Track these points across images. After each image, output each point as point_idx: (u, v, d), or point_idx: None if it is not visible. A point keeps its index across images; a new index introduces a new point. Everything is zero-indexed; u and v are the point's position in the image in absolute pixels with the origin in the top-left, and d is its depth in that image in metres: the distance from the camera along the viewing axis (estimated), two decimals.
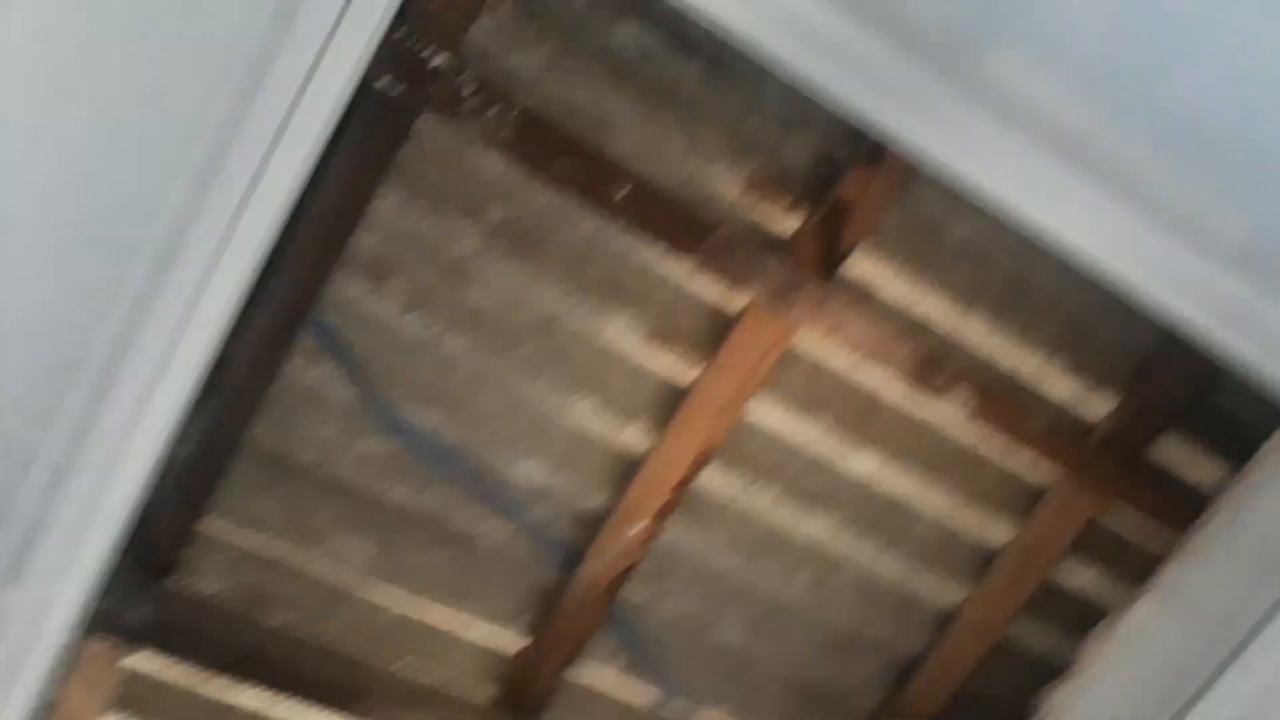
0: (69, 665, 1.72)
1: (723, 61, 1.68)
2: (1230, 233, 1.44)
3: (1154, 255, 1.42)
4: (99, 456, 1.46)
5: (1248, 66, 1.30)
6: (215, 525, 1.80)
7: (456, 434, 1.85)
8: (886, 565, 2.10)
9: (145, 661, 1.79)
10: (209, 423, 1.70)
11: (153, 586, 1.78)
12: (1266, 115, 1.35)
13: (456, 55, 1.55)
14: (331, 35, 1.23)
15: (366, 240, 1.69)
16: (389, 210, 1.67)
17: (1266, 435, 1.93)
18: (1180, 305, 1.46)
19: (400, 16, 1.30)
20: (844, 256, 1.78)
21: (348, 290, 1.72)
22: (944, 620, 2.17)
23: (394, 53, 1.50)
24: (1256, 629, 1.77)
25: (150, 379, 1.43)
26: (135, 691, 1.84)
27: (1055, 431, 1.98)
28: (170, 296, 1.39)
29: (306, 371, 1.76)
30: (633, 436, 1.90)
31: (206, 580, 1.84)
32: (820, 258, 1.76)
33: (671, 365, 1.86)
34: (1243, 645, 1.77)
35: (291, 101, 1.29)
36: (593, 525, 1.94)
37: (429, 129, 1.62)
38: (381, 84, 1.52)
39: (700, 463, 1.89)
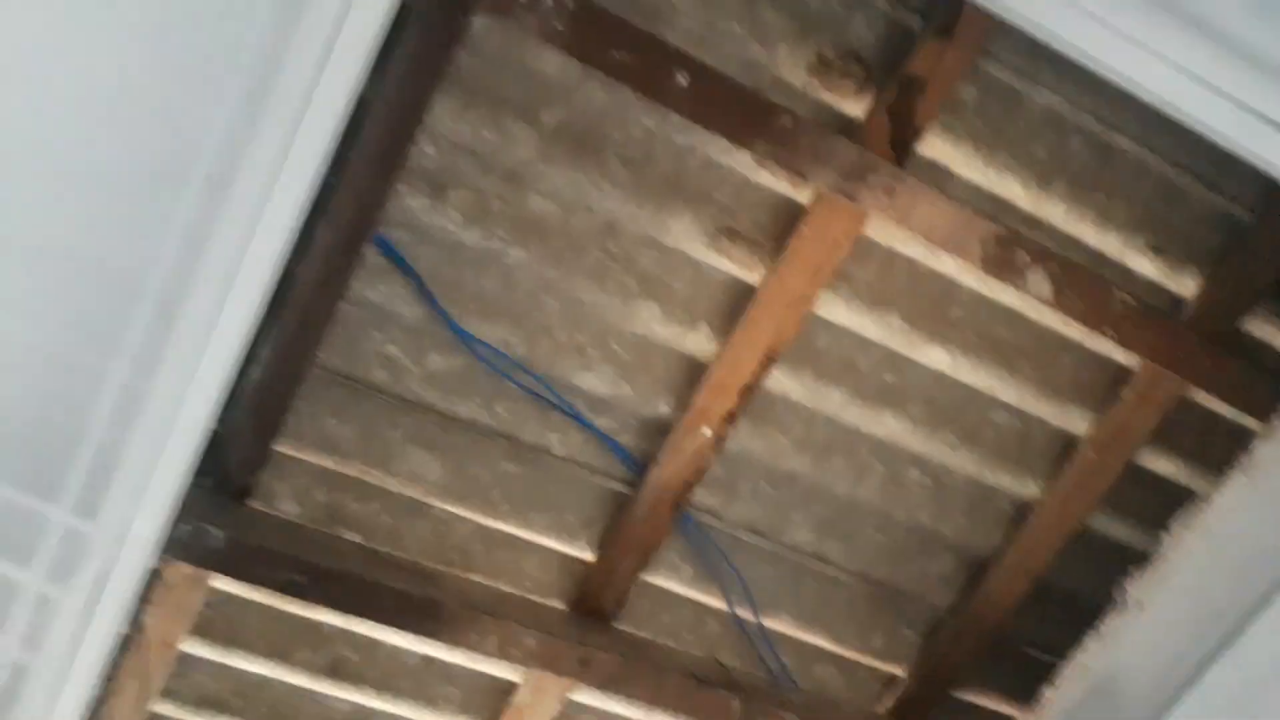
0: (151, 591, 1.75)
1: None
2: None
3: (1244, 102, 1.34)
4: (168, 383, 1.46)
5: None
6: (289, 447, 1.80)
7: (523, 346, 1.83)
8: (961, 460, 2.07)
9: (226, 584, 1.82)
10: (278, 344, 1.69)
11: (231, 510, 1.80)
12: None
13: None
14: None
15: (425, 151, 1.65)
16: (446, 119, 1.64)
17: None
18: (1272, 151, 1.38)
19: None
20: (917, 136, 1.72)
21: (409, 203, 1.69)
22: (1021, 513, 2.13)
23: None
24: None
25: (215, 301, 1.43)
26: (217, 614, 1.87)
27: (1140, 312, 1.90)
28: (230, 217, 1.37)
29: (372, 288, 1.74)
30: (699, 341, 1.87)
31: (283, 501, 1.85)
32: (892, 139, 1.70)
33: (738, 264, 1.82)
34: None
35: (340, 7, 1.24)
36: (661, 432, 1.92)
37: (483, 29, 1.57)
38: None
39: (767, 364, 1.85)
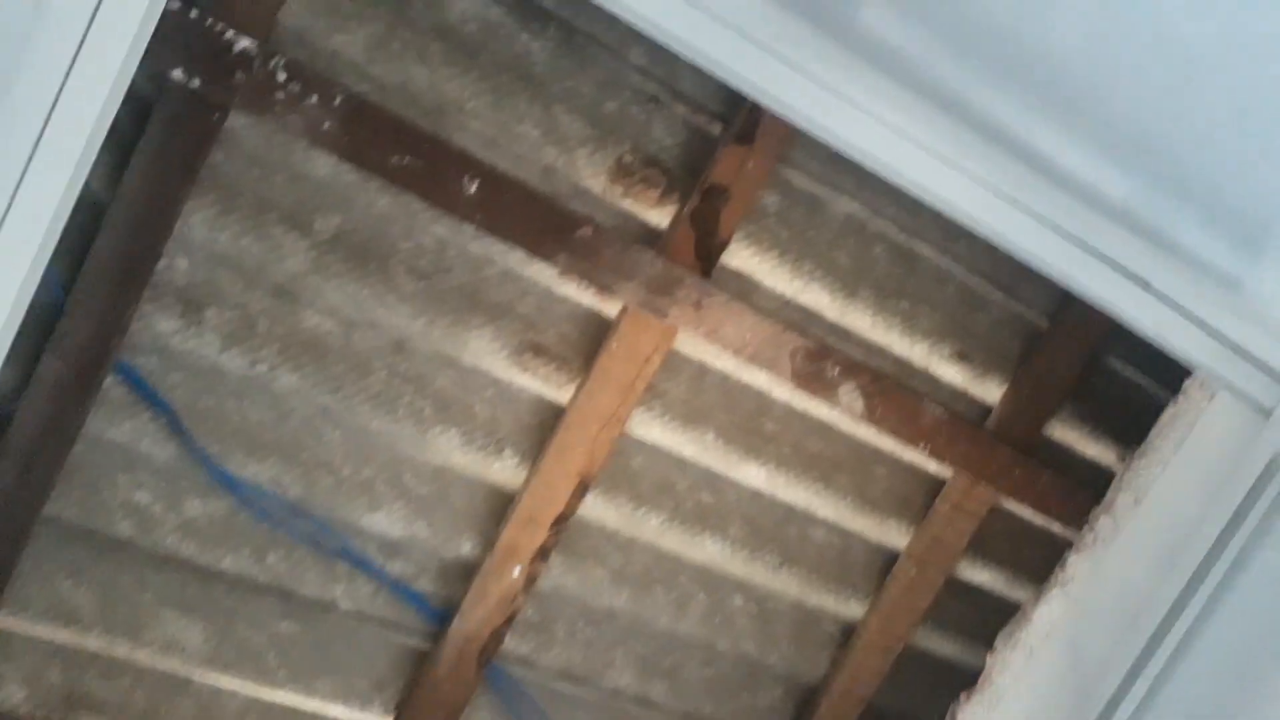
0: None
1: (578, 32, 1.53)
2: (1113, 192, 1.39)
3: (1039, 213, 1.35)
4: None
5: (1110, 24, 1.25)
6: (12, 621, 1.51)
7: (298, 485, 1.61)
8: (783, 583, 1.97)
9: None
10: None
11: None
12: (1129, 73, 1.31)
13: (265, 39, 1.34)
14: (92, 19, 1.00)
15: (176, 265, 1.45)
16: (200, 227, 1.44)
17: (1157, 413, 1.91)
18: (1068, 265, 1.39)
19: None
20: (723, 247, 1.65)
21: (158, 326, 1.47)
22: (847, 635, 2.05)
23: (187, 38, 1.29)
24: (1167, 622, 1.71)
25: None
26: None
27: (950, 424, 1.89)
28: None
29: (114, 425, 1.50)
30: (504, 468, 1.71)
31: (7, 688, 1.54)
32: (697, 249, 1.62)
33: (544, 383, 1.68)
34: (1155, 640, 1.71)
35: (48, 106, 1.04)
36: (465, 575, 1.73)
37: (241, 128, 1.40)
38: (175, 76, 1.29)
39: (581, 490, 1.71)
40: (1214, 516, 1.54)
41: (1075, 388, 1.99)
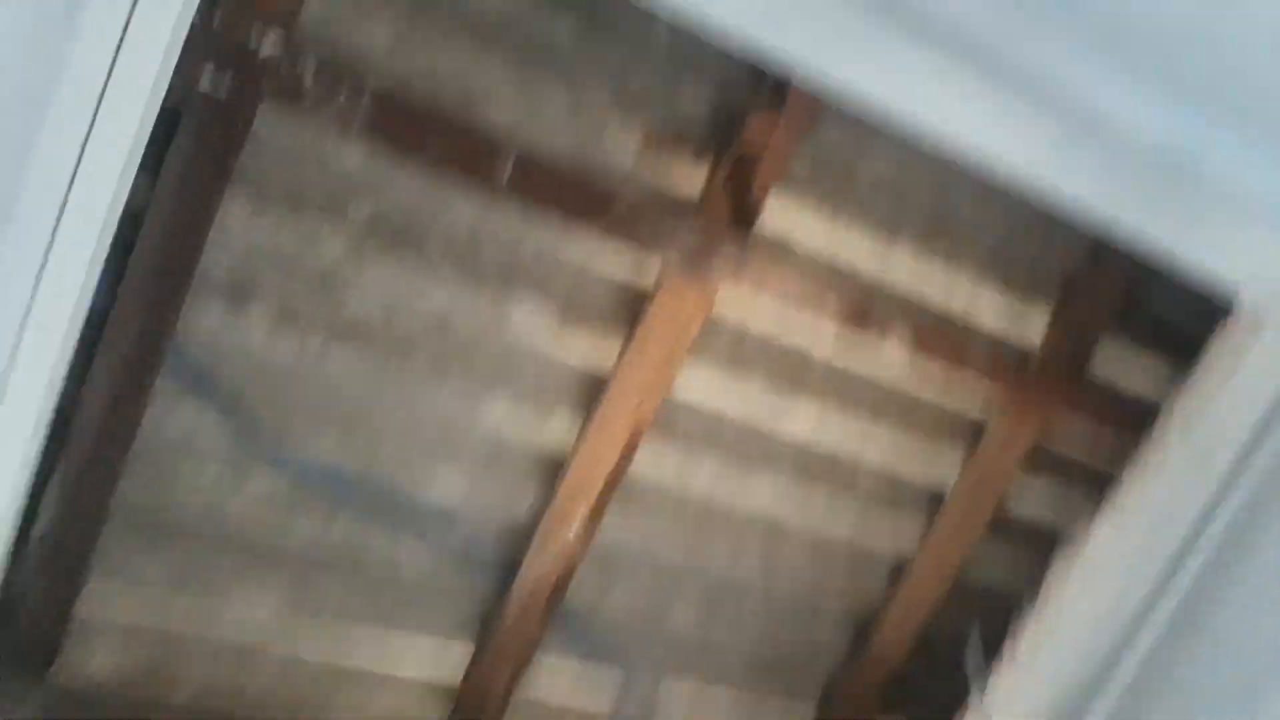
0: None
1: (600, 7, 1.50)
2: (1147, 132, 1.35)
3: (1073, 159, 1.31)
4: None
5: None
6: (95, 601, 1.59)
7: (356, 459, 1.65)
8: (835, 523, 2.00)
9: None
10: (67, 491, 1.49)
11: (37, 680, 1.57)
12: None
13: (290, 37, 1.34)
14: (125, 29, 1.01)
15: (218, 260, 1.47)
16: (238, 223, 1.46)
17: (1203, 345, 1.88)
18: (1104, 207, 1.36)
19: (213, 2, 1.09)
20: (757, 209, 1.64)
21: (205, 320, 1.50)
22: (900, 568, 2.08)
23: (213, 42, 1.29)
24: (1216, 549, 1.71)
25: None
26: None
27: (992, 359, 1.88)
28: None
29: (173, 416, 1.54)
30: (555, 432, 1.74)
31: (97, 662, 1.62)
32: (732, 213, 1.61)
33: (588, 350, 1.70)
34: (1205, 567, 1.71)
35: (89, 120, 1.06)
36: (524, 534, 1.78)
37: (271, 125, 1.41)
38: (205, 81, 1.30)
39: (630, 449, 1.74)
40: (1262, 446, 1.54)
41: (1119, 321, 1.97)
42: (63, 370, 1.21)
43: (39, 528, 1.49)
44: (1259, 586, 1.63)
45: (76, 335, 1.19)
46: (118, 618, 1.61)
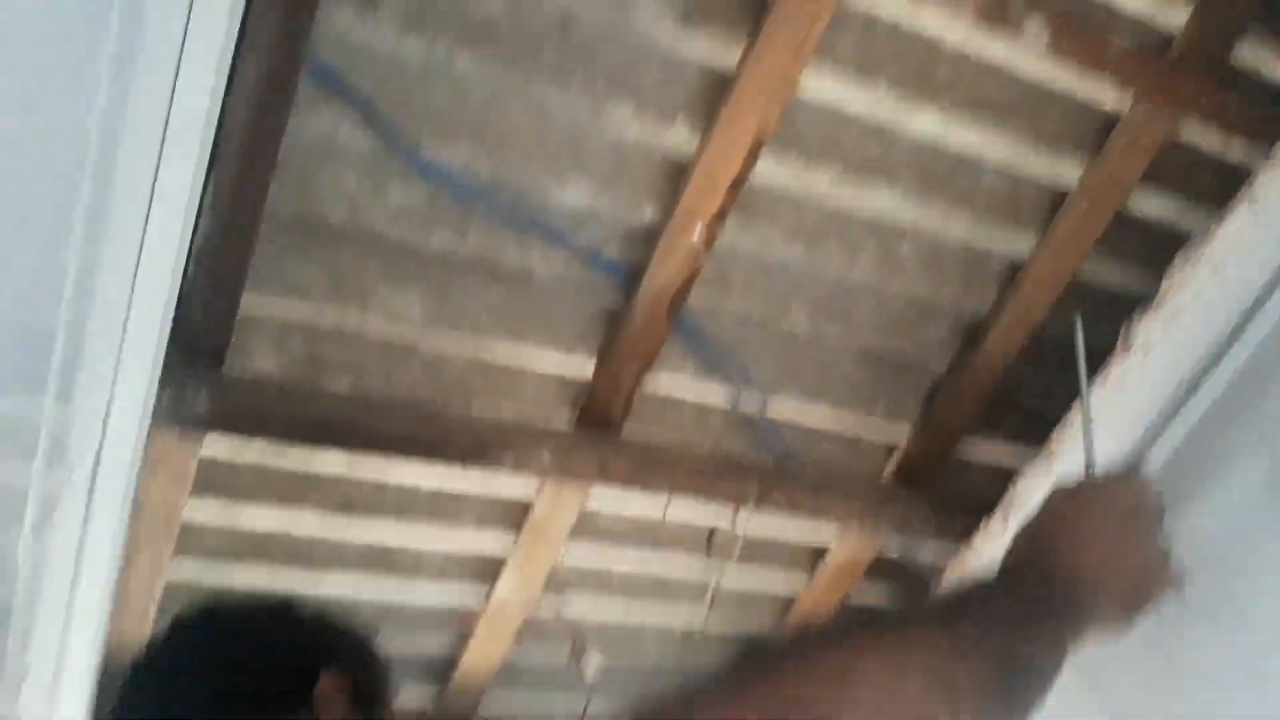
0: (145, 464, 1.68)
1: None
2: None
3: None
4: (118, 252, 1.35)
5: None
6: (255, 302, 1.69)
7: (488, 164, 1.69)
8: (952, 226, 2.00)
9: (219, 445, 1.76)
10: (224, 196, 1.56)
11: (209, 375, 1.71)
12: None
13: None
14: None
15: None
16: None
17: None
18: None
19: None
20: None
21: (337, 22, 1.51)
22: (1015, 271, 2.09)
23: None
24: None
25: (148, 159, 1.29)
26: (215, 475, 1.82)
27: (1135, 52, 1.80)
28: (147, 66, 1.21)
29: (314, 121, 1.58)
30: (678, 137, 1.74)
31: (261, 358, 1.76)
32: None
33: (711, 48, 1.67)
34: None
35: None
36: (648, 239, 1.83)
37: None
38: None
39: (754, 153, 1.74)
40: None
41: (1266, 7, 1.84)
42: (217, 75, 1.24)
43: (199, 238, 1.57)
44: None
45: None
46: (276, 316, 1.72)
